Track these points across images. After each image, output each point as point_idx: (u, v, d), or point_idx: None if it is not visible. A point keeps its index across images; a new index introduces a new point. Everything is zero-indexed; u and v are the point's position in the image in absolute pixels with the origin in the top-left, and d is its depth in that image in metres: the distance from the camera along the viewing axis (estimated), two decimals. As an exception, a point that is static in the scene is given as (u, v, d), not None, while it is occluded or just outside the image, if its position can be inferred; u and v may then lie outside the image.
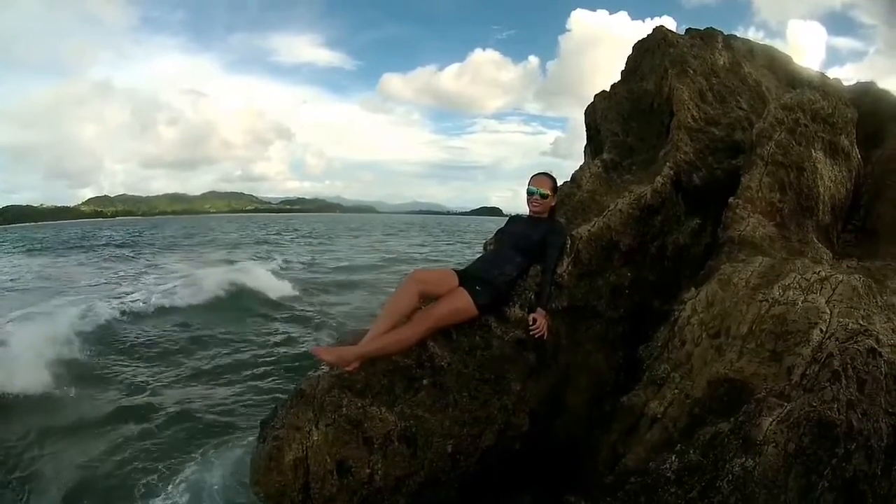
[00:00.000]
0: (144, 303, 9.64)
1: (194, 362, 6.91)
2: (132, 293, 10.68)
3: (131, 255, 20.92)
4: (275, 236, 35.67)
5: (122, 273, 15.07)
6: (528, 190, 2.89)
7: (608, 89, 4.43)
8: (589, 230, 2.95)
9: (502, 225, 3.08)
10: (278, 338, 7.99)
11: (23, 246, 28.36)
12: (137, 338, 7.92)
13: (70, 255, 21.41)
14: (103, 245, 27.38)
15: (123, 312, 8.93)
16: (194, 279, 11.53)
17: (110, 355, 7.15)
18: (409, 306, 2.60)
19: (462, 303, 2.62)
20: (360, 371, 2.51)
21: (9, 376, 5.62)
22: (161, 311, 9.33)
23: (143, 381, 6.21)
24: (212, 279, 11.12)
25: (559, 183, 3.69)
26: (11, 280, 13.62)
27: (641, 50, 4.48)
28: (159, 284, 11.94)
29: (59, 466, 4.37)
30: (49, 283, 12.48)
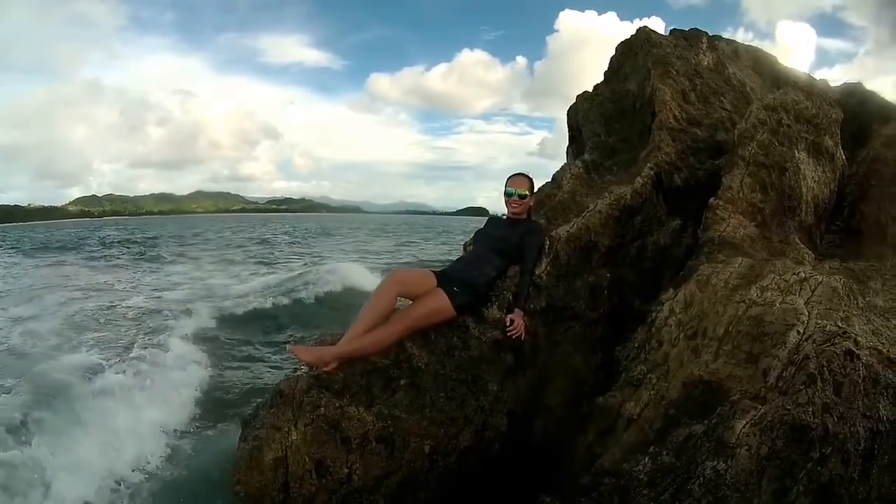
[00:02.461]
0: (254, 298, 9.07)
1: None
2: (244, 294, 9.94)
3: (179, 256, 18.59)
4: (285, 237, 32.98)
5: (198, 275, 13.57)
6: (505, 191, 2.82)
7: (591, 90, 4.33)
8: (568, 231, 2.86)
9: (481, 226, 3.01)
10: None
11: (51, 250, 24.32)
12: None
13: (110, 258, 18.61)
14: (116, 245, 24.43)
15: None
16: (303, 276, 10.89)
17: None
18: (387, 307, 2.54)
19: (440, 304, 2.55)
20: (339, 371, 2.46)
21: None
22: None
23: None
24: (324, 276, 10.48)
25: (543, 184, 3.60)
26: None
27: (624, 50, 4.36)
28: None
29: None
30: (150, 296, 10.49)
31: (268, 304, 8.91)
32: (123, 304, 8.85)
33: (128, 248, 22.54)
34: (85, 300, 9.37)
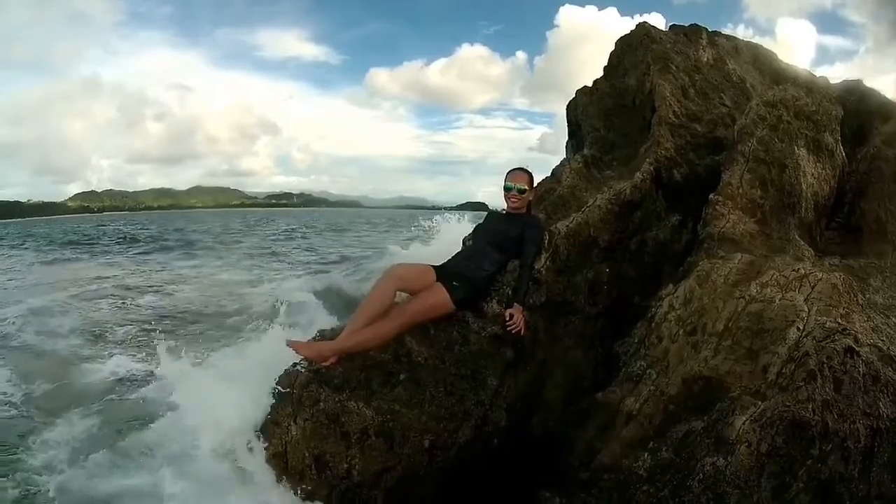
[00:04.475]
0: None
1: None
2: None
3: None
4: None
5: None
6: (505, 186, 2.78)
7: (590, 85, 4.28)
8: (567, 226, 2.82)
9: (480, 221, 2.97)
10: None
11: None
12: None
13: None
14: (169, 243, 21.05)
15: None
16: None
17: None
18: (386, 302, 2.51)
19: (439, 298, 2.52)
20: (338, 366, 2.43)
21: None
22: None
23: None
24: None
25: (543, 179, 3.56)
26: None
27: (624, 46, 4.31)
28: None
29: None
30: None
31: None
32: (169, 303, 8.35)
33: (150, 243, 20.90)
34: (102, 298, 8.91)
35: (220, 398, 2.48)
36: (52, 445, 3.15)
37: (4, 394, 4.24)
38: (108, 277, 11.53)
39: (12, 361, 5.15)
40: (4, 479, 2.71)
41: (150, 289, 9.93)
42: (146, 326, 6.62)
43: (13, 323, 6.84)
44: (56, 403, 3.92)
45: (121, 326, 6.60)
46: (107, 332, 6.38)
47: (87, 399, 3.98)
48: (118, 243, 21.67)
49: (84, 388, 4.27)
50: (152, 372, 4.35)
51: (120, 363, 4.90)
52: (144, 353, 5.22)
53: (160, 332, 6.14)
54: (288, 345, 2.44)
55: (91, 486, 2.49)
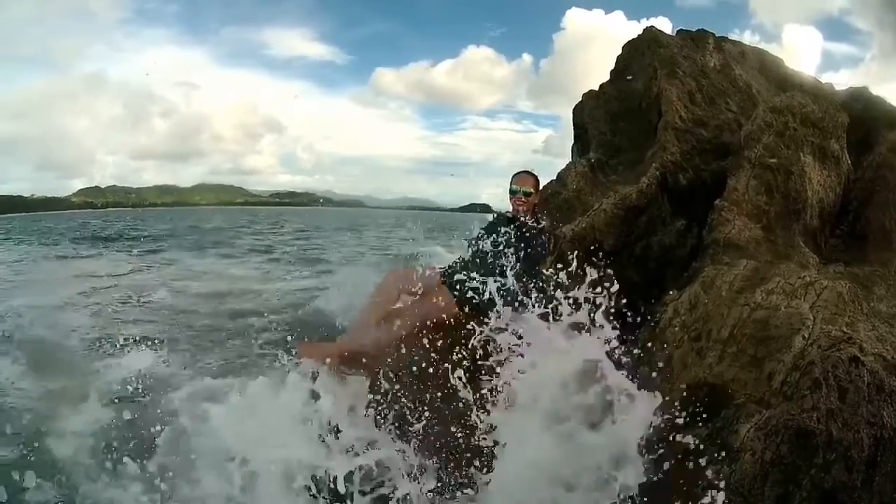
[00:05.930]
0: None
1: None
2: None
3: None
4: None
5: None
6: (510, 189, 2.75)
7: (597, 89, 4.27)
8: (573, 230, 2.81)
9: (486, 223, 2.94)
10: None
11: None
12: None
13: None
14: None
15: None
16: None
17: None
18: (389, 305, 2.49)
19: (443, 302, 2.50)
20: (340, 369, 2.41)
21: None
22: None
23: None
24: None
25: (548, 182, 3.55)
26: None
27: (631, 50, 4.30)
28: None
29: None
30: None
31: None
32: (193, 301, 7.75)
33: (162, 240, 19.68)
34: (115, 294, 8.40)
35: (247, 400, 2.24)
36: (77, 446, 3.00)
37: (21, 389, 4.13)
38: (121, 275, 11.14)
39: (25, 356, 5.00)
40: (34, 484, 2.59)
41: (164, 286, 9.60)
42: (164, 324, 6.32)
43: (23, 316, 6.68)
44: (74, 401, 3.78)
45: (136, 324, 6.36)
46: (121, 328, 6.15)
47: (105, 398, 3.84)
48: (128, 239, 21.09)
49: (101, 386, 4.13)
50: (172, 373, 4.18)
51: (136, 361, 4.74)
52: (163, 351, 5.03)
53: (179, 330, 5.91)
54: (290, 347, 2.43)
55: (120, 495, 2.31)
